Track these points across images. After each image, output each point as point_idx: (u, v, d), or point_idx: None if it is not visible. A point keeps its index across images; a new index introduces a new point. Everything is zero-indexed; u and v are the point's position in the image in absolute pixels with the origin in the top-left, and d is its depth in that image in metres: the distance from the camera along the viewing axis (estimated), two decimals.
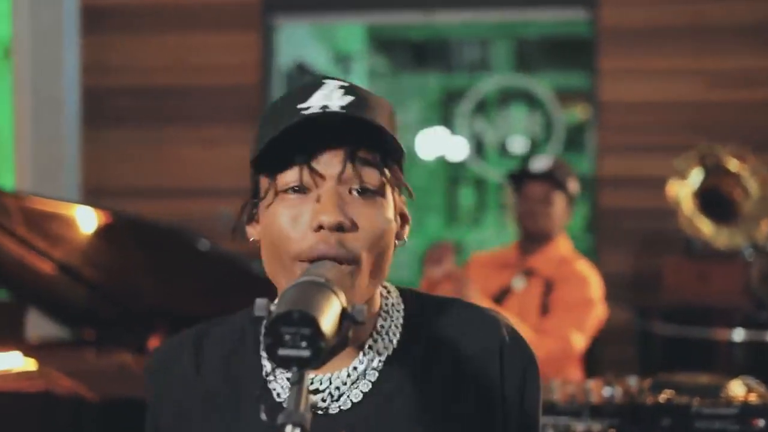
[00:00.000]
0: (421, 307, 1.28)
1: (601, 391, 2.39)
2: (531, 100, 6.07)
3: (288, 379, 1.20)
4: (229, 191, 4.93)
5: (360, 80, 6.86)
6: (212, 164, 4.86)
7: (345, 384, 1.20)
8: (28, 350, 3.72)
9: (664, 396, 2.37)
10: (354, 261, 1.14)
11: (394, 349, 1.23)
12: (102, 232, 3.16)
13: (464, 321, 1.27)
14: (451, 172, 6.95)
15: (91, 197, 5.01)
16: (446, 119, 6.58)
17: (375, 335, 1.23)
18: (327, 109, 1.15)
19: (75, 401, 2.74)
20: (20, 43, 5.07)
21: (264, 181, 1.21)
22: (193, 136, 4.95)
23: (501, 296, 3.32)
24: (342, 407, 1.21)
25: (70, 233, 3.86)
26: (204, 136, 4.92)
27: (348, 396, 1.21)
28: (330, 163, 1.15)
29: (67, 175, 5.04)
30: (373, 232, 1.16)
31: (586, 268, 3.33)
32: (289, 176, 1.16)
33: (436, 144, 6.49)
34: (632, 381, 2.48)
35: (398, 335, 1.25)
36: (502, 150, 6.31)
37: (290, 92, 1.22)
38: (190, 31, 5.01)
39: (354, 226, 1.15)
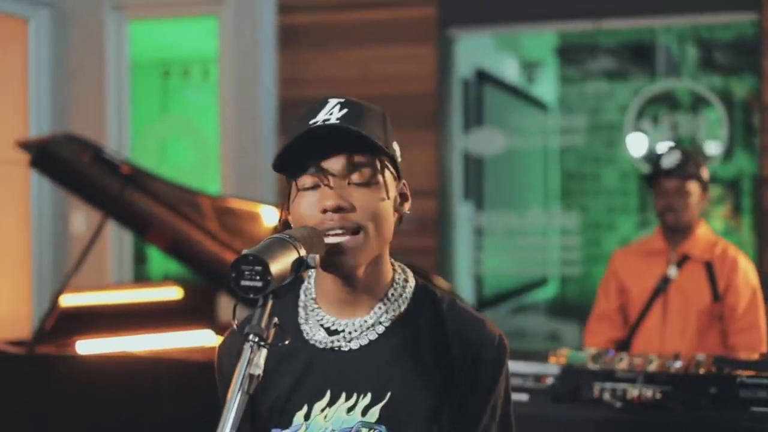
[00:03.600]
0: (429, 293, 1.63)
1: (665, 363, 2.60)
2: (722, 104, 6.04)
3: (320, 325, 1.59)
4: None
5: (549, 87, 7.03)
6: None
7: (356, 331, 1.57)
8: (219, 329, 4.25)
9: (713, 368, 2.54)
10: (357, 229, 1.51)
11: (400, 313, 1.59)
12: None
13: (460, 311, 1.61)
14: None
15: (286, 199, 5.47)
16: (637, 123, 6.62)
17: (385, 300, 1.59)
18: (327, 122, 1.52)
19: None
20: (225, 59, 5.62)
21: (289, 184, 1.59)
22: None
23: (661, 286, 3.50)
24: (352, 348, 1.56)
25: (254, 228, 4.33)
26: None
27: (358, 340, 1.56)
28: (334, 164, 1.53)
29: (265, 178, 5.53)
30: (368, 209, 1.52)
31: (737, 252, 3.49)
32: (306, 179, 1.54)
33: (632, 147, 6.55)
34: (700, 356, 2.67)
35: (406, 305, 1.60)
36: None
37: (305, 111, 1.59)
38: (373, 45, 5.40)
39: (353, 208, 1.51)
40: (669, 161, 3.50)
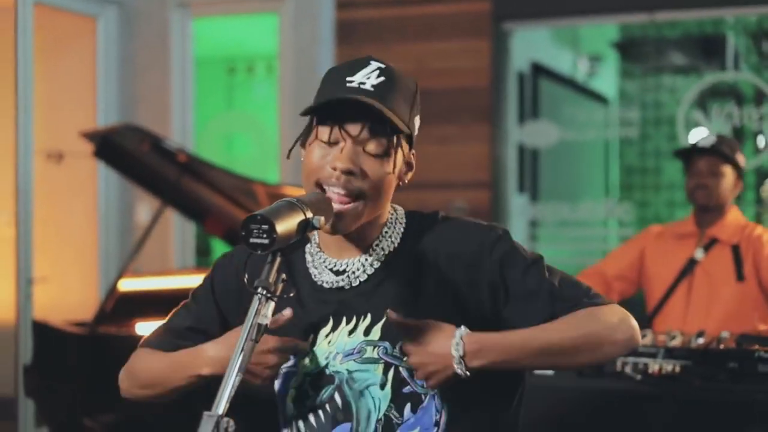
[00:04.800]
0: (420, 222, 1.73)
1: (689, 339, 2.65)
2: None
3: (325, 267, 1.71)
4: (462, 185, 5.38)
5: (609, 81, 7.02)
6: (447, 160, 5.31)
7: (358, 269, 1.68)
8: None
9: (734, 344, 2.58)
10: (358, 196, 1.62)
11: (395, 247, 1.70)
12: None
13: (456, 228, 1.71)
14: None
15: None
16: (702, 116, 6.57)
17: (380, 238, 1.70)
18: (362, 86, 1.62)
19: None
20: (284, 55, 5.74)
21: (314, 123, 1.67)
22: (430, 134, 5.41)
23: (688, 268, 3.50)
24: (352, 284, 1.68)
25: None
26: (440, 134, 5.37)
27: (357, 277, 1.68)
28: (354, 128, 1.62)
29: None
30: (375, 178, 1.63)
31: (764, 231, 3.47)
32: (325, 132, 1.63)
33: (695, 139, 6.48)
34: (724, 334, 2.70)
35: (398, 240, 1.70)
36: (756, 148, 6.24)
37: (346, 64, 1.70)
38: (429, 39, 5.47)
39: (362, 173, 1.62)
40: (704, 141, 3.53)
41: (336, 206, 1.60)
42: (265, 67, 7.28)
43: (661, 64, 6.94)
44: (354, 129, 1.61)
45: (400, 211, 1.76)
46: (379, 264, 1.68)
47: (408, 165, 1.73)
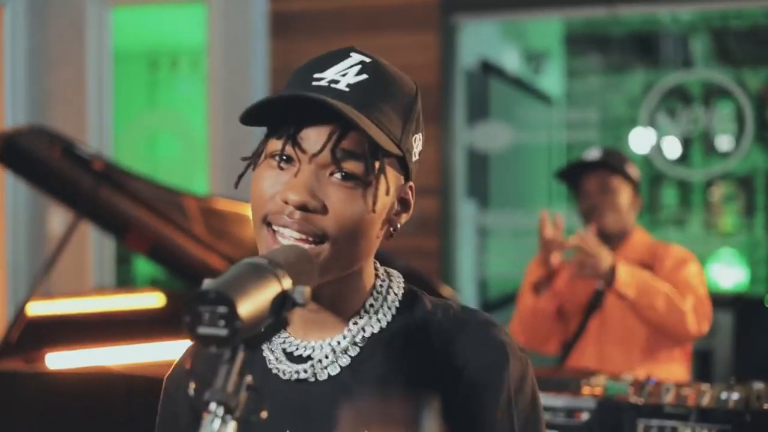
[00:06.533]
0: (417, 301, 1.28)
1: (719, 395, 2.23)
2: (737, 96, 5.74)
3: (283, 350, 1.24)
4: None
5: (556, 79, 6.72)
6: None
7: (327, 358, 1.21)
8: None
9: None
10: (320, 239, 1.15)
11: (381, 328, 1.23)
12: None
13: (462, 322, 1.25)
14: (653, 172, 6.68)
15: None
16: (649, 117, 6.34)
17: (362, 313, 1.24)
18: (334, 84, 1.17)
19: None
20: (213, 49, 5.30)
21: (264, 140, 1.23)
22: None
23: (595, 301, 3.06)
24: (319, 378, 1.22)
25: (243, 231, 4.01)
26: None
27: (326, 369, 1.22)
28: (315, 142, 1.16)
29: None
30: (343, 217, 1.15)
31: (682, 251, 3.02)
32: (276, 144, 1.18)
33: (640, 143, 6.25)
34: (758, 386, 2.29)
35: (388, 318, 1.24)
36: (708, 149, 6.00)
37: (320, 57, 1.24)
38: (372, 32, 5.07)
39: (323, 209, 1.15)
40: (590, 155, 3.12)
41: (290, 244, 1.15)
42: (190, 62, 6.81)
43: (607, 62, 6.72)
44: (313, 139, 1.15)
45: (397, 278, 1.30)
46: (357, 351, 1.22)
47: (402, 203, 1.25)
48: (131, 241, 3.84)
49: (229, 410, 0.91)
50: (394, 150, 1.18)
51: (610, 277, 2.82)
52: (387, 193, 1.19)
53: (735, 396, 2.24)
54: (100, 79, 5.44)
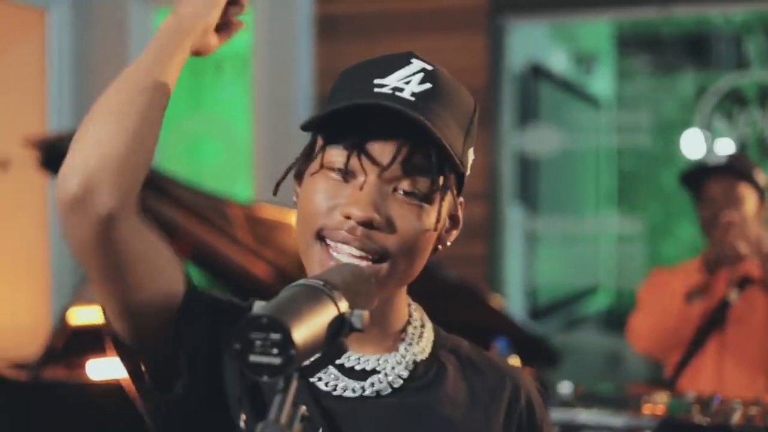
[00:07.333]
0: (441, 335, 1.26)
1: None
2: None
3: (344, 367, 1.17)
4: None
5: (606, 82, 6.60)
6: None
7: (394, 369, 1.17)
8: None
9: None
10: (381, 257, 1.11)
11: (425, 357, 1.20)
12: None
13: (488, 359, 1.25)
14: None
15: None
16: (705, 120, 6.20)
17: (404, 335, 1.20)
18: (399, 93, 1.10)
19: None
20: (258, 52, 5.24)
21: (319, 141, 1.15)
22: None
23: (718, 316, 2.86)
24: (382, 393, 1.16)
25: (289, 239, 3.94)
26: None
27: (391, 382, 1.16)
28: (382, 154, 1.09)
29: None
30: (408, 235, 1.11)
31: None
32: (338, 156, 1.11)
33: (693, 146, 6.12)
34: None
35: (430, 347, 1.21)
36: (763, 152, 5.85)
37: (376, 60, 1.18)
38: (419, 34, 4.99)
39: (389, 226, 1.10)
40: (715, 159, 2.93)
41: (350, 261, 1.09)
42: (235, 66, 6.77)
43: (660, 63, 6.61)
44: (381, 151, 1.08)
45: (419, 310, 1.25)
46: (407, 374, 1.17)
47: (452, 220, 1.20)
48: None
49: None
50: (459, 167, 1.13)
51: None
52: (448, 210, 1.15)
53: None
54: None
